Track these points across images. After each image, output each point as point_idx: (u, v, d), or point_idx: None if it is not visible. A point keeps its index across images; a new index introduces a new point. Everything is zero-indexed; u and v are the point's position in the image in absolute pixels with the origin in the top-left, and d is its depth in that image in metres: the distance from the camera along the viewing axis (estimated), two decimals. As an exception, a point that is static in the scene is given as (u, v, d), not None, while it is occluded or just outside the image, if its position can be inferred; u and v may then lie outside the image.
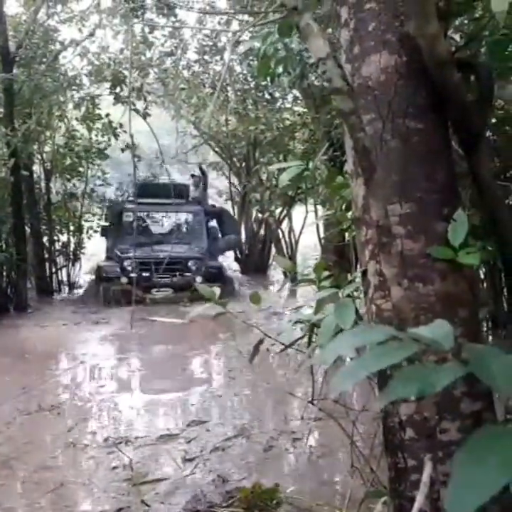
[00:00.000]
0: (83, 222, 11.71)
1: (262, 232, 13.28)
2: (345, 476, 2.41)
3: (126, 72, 10.16)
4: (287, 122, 11.11)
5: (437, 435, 1.53)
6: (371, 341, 0.79)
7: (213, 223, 11.97)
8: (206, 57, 11.82)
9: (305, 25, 1.05)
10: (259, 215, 13.09)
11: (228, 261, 13.35)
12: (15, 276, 9.21)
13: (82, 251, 11.82)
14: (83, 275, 11.85)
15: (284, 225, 12.69)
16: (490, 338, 5.18)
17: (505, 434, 0.67)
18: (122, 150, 10.86)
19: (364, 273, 1.71)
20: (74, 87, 10.27)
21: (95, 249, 11.87)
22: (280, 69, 5.93)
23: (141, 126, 9.99)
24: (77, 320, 8.43)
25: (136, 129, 9.82)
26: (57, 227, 11.43)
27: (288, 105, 11.61)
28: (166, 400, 4.85)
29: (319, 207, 10.20)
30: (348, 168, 1.83)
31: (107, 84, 10.06)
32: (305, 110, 10.21)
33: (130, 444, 3.86)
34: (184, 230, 11.50)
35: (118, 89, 9.86)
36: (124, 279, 9.58)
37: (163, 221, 11.54)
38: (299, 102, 10.94)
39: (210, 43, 11.75)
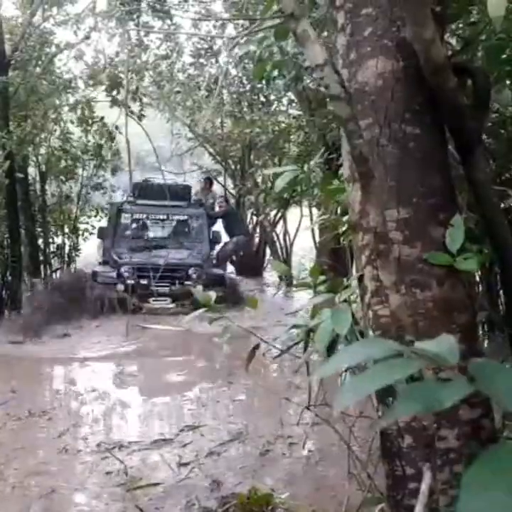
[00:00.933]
0: (78, 225, 11.67)
1: (256, 234, 13.26)
2: (342, 482, 2.40)
3: (122, 75, 10.15)
4: (282, 125, 11.11)
5: (436, 443, 1.52)
6: (375, 356, 0.78)
7: (217, 226, 11.31)
8: (201, 60, 11.81)
9: (302, 31, 1.04)
10: (254, 218, 13.06)
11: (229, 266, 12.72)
12: (10, 278, 9.17)
13: (77, 253, 11.77)
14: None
15: (279, 227, 12.68)
16: (486, 342, 5.18)
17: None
18: (114, 154, 10.87)
19: (360, 278, 1.70)
20: (69, 90, 10.24)
21: (90, 251, 11.75)
22: (275, 72, 5.94)
23: (137, 128, 10.00)
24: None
25: (133, 131, 9.80)
26: (52, 229, 11.38)
27: (283, 108, 11.61)
28: (160, 405, 4.82)
29: (314, 209, 10.20)
30: (344, 173, 1.82)
31: (103, 87, 10.04)
32: (300, 113, 10.22)
33: (124, 449, 3.83)
34: (185, 234, 10.69)
35: (114, 92, 9.85)
36: (120, 287, 8.89)
37: (163, 224, 10.77)
38: (294, 104, 10.94)
39: (206, 46, 11.75)
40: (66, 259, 11.53)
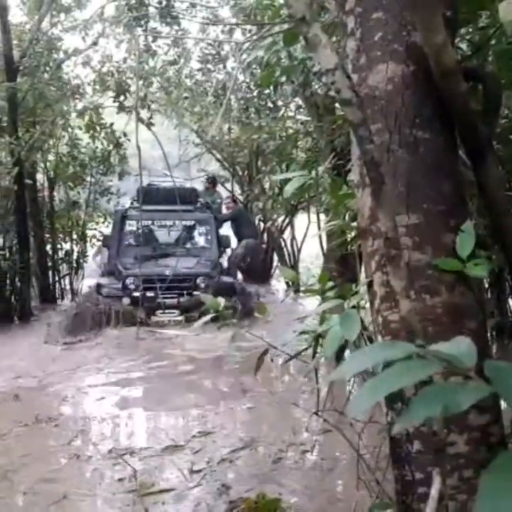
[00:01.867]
0: (86, 231, 11.70)
1: (264, 240, 13.24)
2: (352, 487, 2.39)
3: (129, 81, 10.21)
4: (290, 131, 11.12)
5: (445, 448, 1.51)
6: (393, 358, 0.77)
7: (225, 230, 10.80)
8: (209, 65, 11.85)
9: (313, 36, 1.05)
10: (262, 224, 13.05)
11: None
12: (18, 284, 9.21)
13: (86, 259, 11.80)
14: (86, 284, 11.79)
15: (287, 233, 12.66)
16: (495, 348, 5.15)
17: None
18: (121, 159, 10.89)
19: (370, 284, 1.70)
20: (77, 96, 10.30)
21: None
22: (283, 78, 5.95)
23: (145, 134, 10.03)
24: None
25: (140, 137, 9.82)
26: (61, 235, 11.43)
27: (291, 114, 11.62)
28: (170, 411, 4.77)
29: (322, 216, 10.19)
30: (354, 178, 1.82)
31: (110, 93, 10.09)
32: (308, 119, 10.22)
33: (135, 455, 3.82)
34: (192, 240, 10.20)
35: (122, 98, 9.90)
36: (126, 300, 8.41)
37: (170, 230, 10.24)
38: (301, 110, 10.95)
39: (213, 52, 11.79)
40: (74, 265, 11.57)
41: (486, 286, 4.96)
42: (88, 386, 5.47)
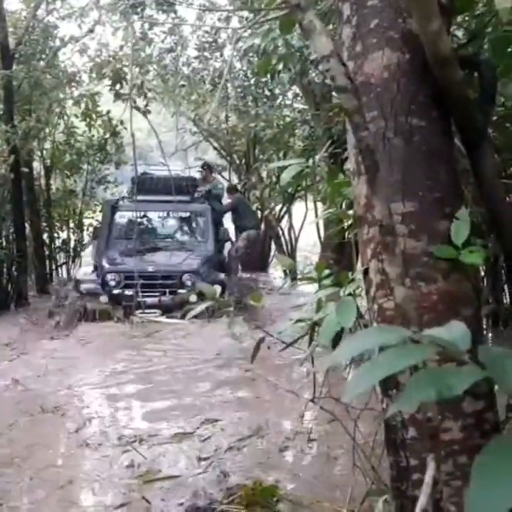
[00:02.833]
0: (83, 220, 11.69)
1: (261, 229, 13.23)
2: (348, 474, 2.42)
3: (126, 69, 10.16)
4: (287, 119, 11.09)
5: (439, 434, 1.53)
6: (388, 342, 0.78)
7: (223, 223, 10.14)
8: (206, 53, 11.79)
9: (308, 22, 1.04)
10: (259, 212, 13.04)
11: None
12: (15, 273, 9.20)
13: (83, 248, 11.80)
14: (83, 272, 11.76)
15: (284, 222, 12.67)
16: (490, 335, 5.18)
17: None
18: (117, 148, 10.81)
19: (366, 271, 1.71)
20: (73, 84, 10.25)
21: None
22: (280, 66, 5.94)
23: (141, 123, 9.99)
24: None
25: (136, 126, 9.80)
26: (57, 224, 11.42)
27: (288, 102, 11.58)
28: (178, 400, 4.73)
29: (319, 204, 10.19)
30: (350, 166, 1.82)
31: (107, 81, 10.04)
32: (305, 107, 10.20)
33: (144, 443, 3.82)
34: (187, 233, 9.63)
35: (118, 86, 9.85)
36: (103, 298, 7.81)
37: (163, 222, 9.72)
38: (299, 98, 10.92)
39: (210, 40, 11.73)
40: (71, 254, 11.57)
41: (482, 274, 4.98)
42: (86, 377, 5.45)
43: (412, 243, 1.57)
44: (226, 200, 10.72)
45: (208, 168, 11.18)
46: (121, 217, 9.30)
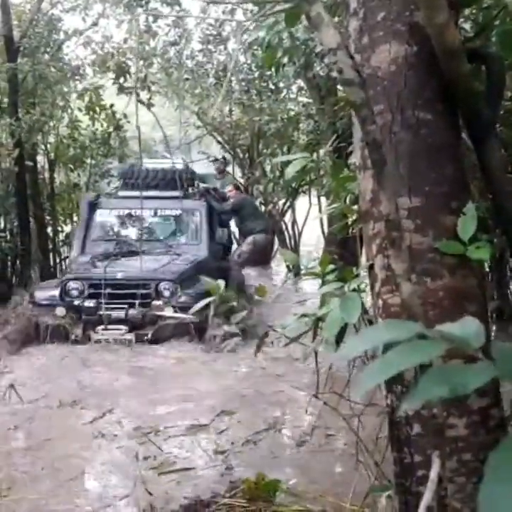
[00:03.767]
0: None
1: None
2: (351, 469, 2.41)
3: (130, 62, 10.13)
4: (292, 113, 11.05)
5: (445, 431, 1.52)
6: (396, 338, 0.76)
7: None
8: (210, 46, 11.74)
9: (315, 14, 1.03)
10: (262, 207, 13.00)
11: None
12: (19, 266, 9.22)
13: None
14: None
15: (288, 216, 12.64)
16: (494, 331, 5.16)
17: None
18: (121, 142, 10.75)
19: (371, 267, 1.70)
20: (77, 77, 10.23)
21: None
22: (285, 59, 5.91)
23: (145, 116, 9.94)
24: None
25: (140, 119, 9.72)
26: (61, 217, 11.41)
27: (292, 96, 11.54)
28: (194, 392, 4.70)
29: (323, 199, 10.16)
30: (355, 161, 1.81)
31: (111, 75, 10.01)
32: (310, 101, 10.15)
33: (160, 434, 3.83)
34: (177, 234, 8.13)
35: (122, 80, 9.82)
36: (60, 310, 6.33)
37: (149, 222, 8.17)
38: (303, 92, 10.87)
39: (214, 33, 11.67)
40: (75, 247, 11.56)
41: (487, 269, 4.96)
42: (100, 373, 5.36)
43: (418, 238, 1.55)
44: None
45: (224, 162, 10.45)
46: (102, 216, 8.00)
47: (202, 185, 8.84)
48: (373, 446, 2.21)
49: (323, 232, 10.58)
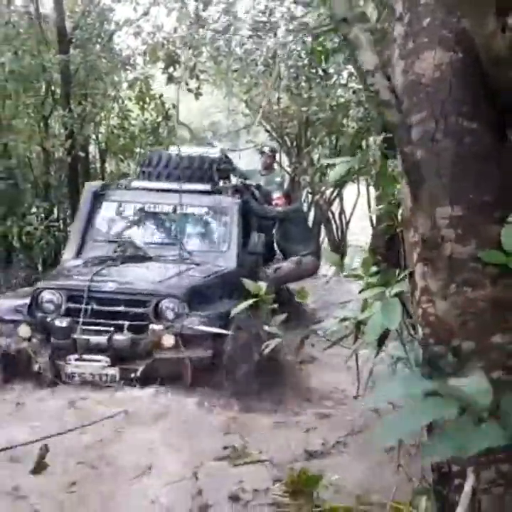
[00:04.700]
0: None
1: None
2: (393, 472, 2.42)
3: (179, 52, 10.19)
4: (341, 100, 10.91)
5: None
6: (412, 394, 0.79)
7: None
8: (260, 33, 11.68)
9: (354, 37, 1.04)
10: (310, 197, 12.92)
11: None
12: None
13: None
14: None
15: (335, 206, 12.53)
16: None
17: None
18: (169, 131, 10.83)
19: (411, 274, 1.69)
20: (128, 67, 10.37)
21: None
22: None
23: (194, 104, 10.00)
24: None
25: (188, 107, 9.76)
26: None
27: (343, 82, 11.37)
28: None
29: (371, 188, 10.04)
30: (399, 166, 1.80)
31: (160, 64, 10.11)
32: (360, 87, 10.00)
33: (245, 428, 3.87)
34: (199, 237, 6.24)
35: (171, 69, 9.91)
36: (24, 330, 4.67)
37: (165, 221, 6.36)
38: (353, 78, 10.70)
39: (264, 19, 11.60)
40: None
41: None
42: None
43: (460, 248, 1.54)
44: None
45: (272, 155, 9.29)
46: (108, 210, 6.25)
47: (240, 180, 7.10)
48: (415, 450, 2.22)
49: (371, 223, 10.48)
